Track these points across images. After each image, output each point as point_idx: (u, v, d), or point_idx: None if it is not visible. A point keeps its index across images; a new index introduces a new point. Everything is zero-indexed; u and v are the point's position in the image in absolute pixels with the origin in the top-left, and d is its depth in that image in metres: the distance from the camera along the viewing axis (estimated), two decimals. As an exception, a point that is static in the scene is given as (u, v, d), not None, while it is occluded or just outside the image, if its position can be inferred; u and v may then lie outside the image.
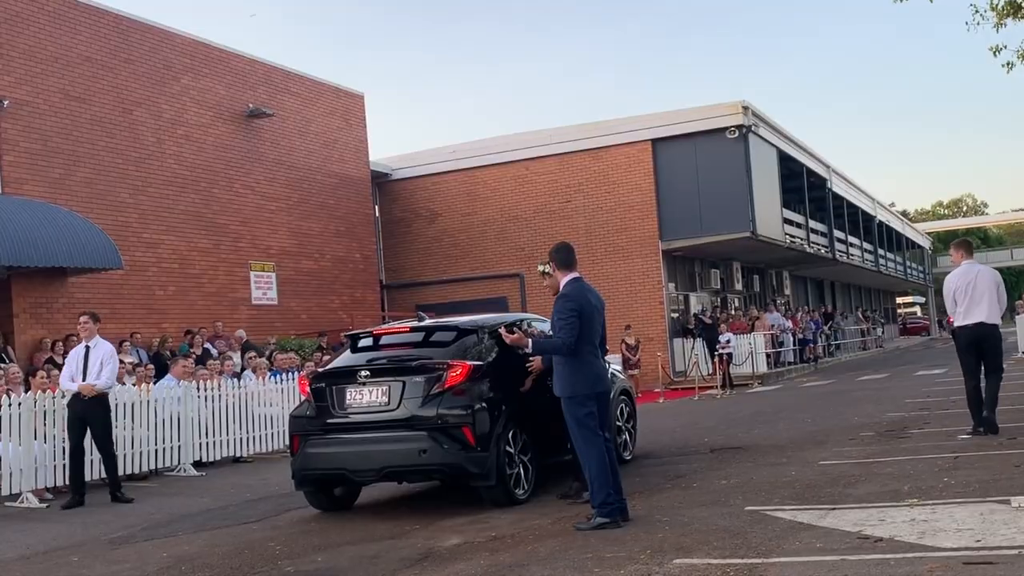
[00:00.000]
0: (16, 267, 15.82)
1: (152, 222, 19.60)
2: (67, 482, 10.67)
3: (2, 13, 17.16)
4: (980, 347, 10.03)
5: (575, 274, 7.31)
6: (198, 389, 13.41)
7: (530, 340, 7.45)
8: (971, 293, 9.96)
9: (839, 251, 36.52)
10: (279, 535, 7.90)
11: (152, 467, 12.54)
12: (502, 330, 7.72)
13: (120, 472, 11.98)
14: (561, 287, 7.27)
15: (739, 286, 31.76)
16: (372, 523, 8.09)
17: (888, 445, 10.07)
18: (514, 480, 8.31)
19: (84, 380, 10.36)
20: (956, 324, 10.18)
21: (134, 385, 13.13)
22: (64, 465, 10.82)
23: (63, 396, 10.92)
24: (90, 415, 10.46)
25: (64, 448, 10.80)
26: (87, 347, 10.53)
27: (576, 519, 7.19)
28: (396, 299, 29.30)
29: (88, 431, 10.56)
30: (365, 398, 8.34)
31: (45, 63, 17.74)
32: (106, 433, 10.65)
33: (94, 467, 11.55)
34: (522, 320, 9.66)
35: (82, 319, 10.73)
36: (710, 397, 21.04)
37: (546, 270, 7.58)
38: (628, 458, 10.27)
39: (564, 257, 7.36)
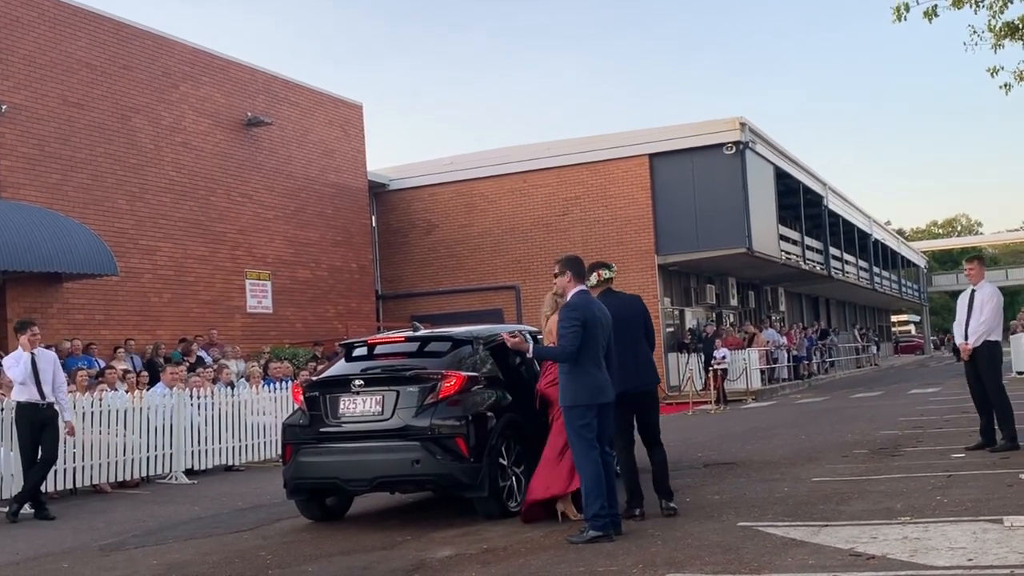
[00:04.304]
0: (11, 272, 15.79)
1: (149, 229, 19.59)
2: (57, 489, 10.56)
3: (2, 18, 17.18)
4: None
5: (583, 287, 7.38)
6: (191, 397, 13.38)
7: (531, 345, 7.49)
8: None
9: (834, 268, 36.57)
10: (270, 544, 7.87)
11: (143, 474, 12.52)
12: (504, 335, 7.76)
13: (112, 479, 11.97)
14: (568, 297, 7.32)
15: (734, 302, 31.80)
16: (364, 533, 8.06)
17: (881, 463, 10.07)
18: (507, 492, 8.28)
19: (42, 389, 10.04)
20: (994, 338, 10.46)
21: (127, 392, 13.11)
22: (55, 472, 10.73)
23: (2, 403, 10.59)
24: (50, 422, 10.12)
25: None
26: (32, 355, 10.13)
27: (569, 532, 7.18)
28: (392, 309, 29.29)
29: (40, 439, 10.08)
30: (359, 407, 8.33)
31: (44, 68, 17.76)
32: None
33: (77, 474, 11.53)
34: (518, 332, 9.65)
35: (35, 328, 10.40)
36: (704, 413, 21.02)
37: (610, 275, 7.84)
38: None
39: (580, 269, 7.45)
